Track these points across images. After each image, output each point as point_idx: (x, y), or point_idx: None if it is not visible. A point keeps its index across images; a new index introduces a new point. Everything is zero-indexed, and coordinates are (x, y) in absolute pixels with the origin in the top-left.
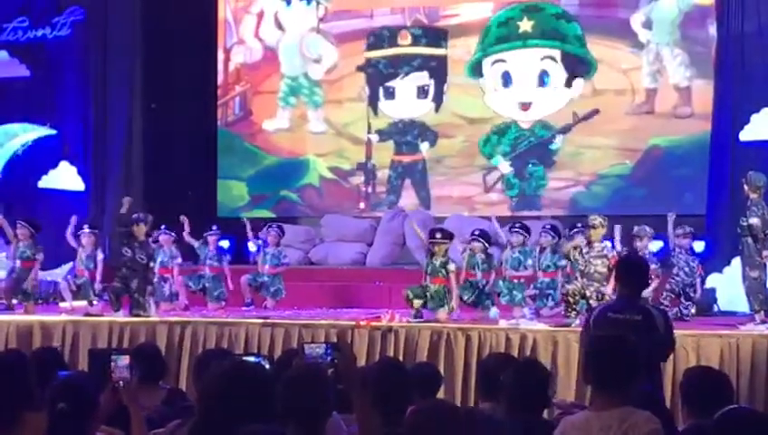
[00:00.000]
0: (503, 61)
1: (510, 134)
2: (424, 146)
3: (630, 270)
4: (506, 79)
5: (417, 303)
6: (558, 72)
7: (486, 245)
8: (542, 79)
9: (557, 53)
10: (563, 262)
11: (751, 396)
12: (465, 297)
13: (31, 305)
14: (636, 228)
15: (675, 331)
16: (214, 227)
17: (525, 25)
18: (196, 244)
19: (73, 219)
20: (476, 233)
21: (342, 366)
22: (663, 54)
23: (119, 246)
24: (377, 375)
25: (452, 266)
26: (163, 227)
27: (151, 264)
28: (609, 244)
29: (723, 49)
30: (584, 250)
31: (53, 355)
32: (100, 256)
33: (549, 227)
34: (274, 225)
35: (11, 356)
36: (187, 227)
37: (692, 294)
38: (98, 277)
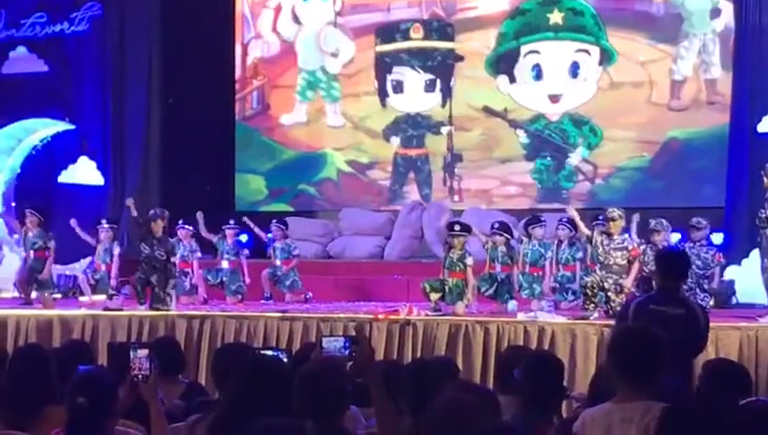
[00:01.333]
0: (536, 52)
1: (537, 126)
2: (439, 138)
3: (672, 262)
4: (537, 71)
5: (435, 296)
6: (590, 65)
7: (508, 237)
8: (574, 71)
9: (591, 47)
10: (580, 254)
11: None
12: (484, 289)
13: (48, 298)
14: (653, 222)
15: None
16: (231, 222)
17: (556, 17)
18: (214, 238)
19: (73, 222)
20: (497, 226)
21: (361, 359)
22: (681, 47)
23: (137, 242)
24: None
25: (469, 260)
26: (181, 221)
27: (172, 259)
28: (627, 236)
29: (741, 41)
30: (604, 242)
31: (83, 349)
32: (116, 250)
33: (566, 220)
34: (276, 220)
35: (31, 350)
36: (201, 223)
37: (706, 286)
38: (114, 272)
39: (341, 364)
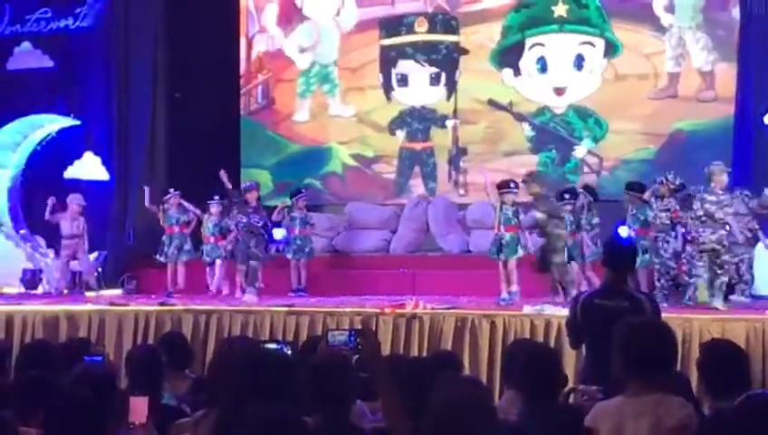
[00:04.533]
0: (541, 45)
1: (542, 118)
2: (444, 132)
3: (615, 255)
4: (542, 63)
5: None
6: (595, 57)
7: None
8: (579, 63)
9: (596, 39)
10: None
11: None
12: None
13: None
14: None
15: (700, 316)
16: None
17: (560, 10)
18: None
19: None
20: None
21: (367, 353)
22: (686, 38)
23: (234, 213)
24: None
25: (521, 215)
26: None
27: (267, 224)
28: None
29: (745, 32)
30: (654, 204)
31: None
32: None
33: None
34: (302, 190)
35: (38, 346)
36: (226, 180)
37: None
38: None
39: (347, 357)
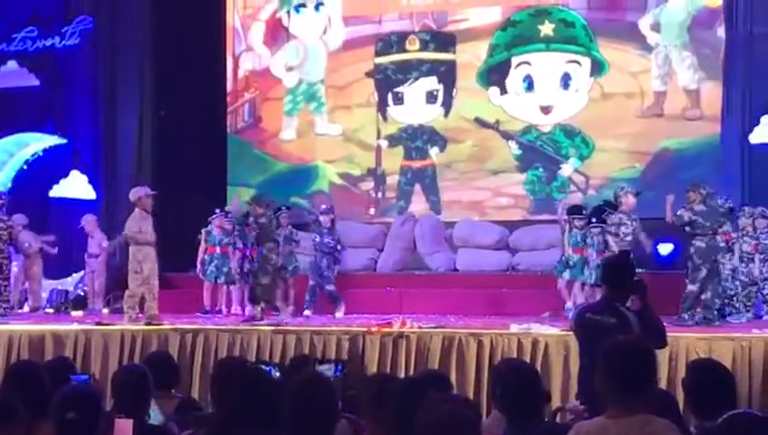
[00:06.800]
0: (527, 63)
1: (529, 137)
2: (434, 151)
3: (608, 272)
4: (528, 82)
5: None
6: (581, 76)
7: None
8: (565, 82)
9: (582, 58)
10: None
11: (763, 399)
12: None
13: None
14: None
15: (687, 334)
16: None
17: (546, 29)
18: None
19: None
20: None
21: (352, 376)
22: (672, 57)
23: (312, 234)
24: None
25: (588, 240)
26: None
27: (338, 246)
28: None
29: (732, 51)
30: None
31: (66, 365)
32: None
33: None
34: (284, 208)
35: (25, 367)
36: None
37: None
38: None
39: (329, 380)
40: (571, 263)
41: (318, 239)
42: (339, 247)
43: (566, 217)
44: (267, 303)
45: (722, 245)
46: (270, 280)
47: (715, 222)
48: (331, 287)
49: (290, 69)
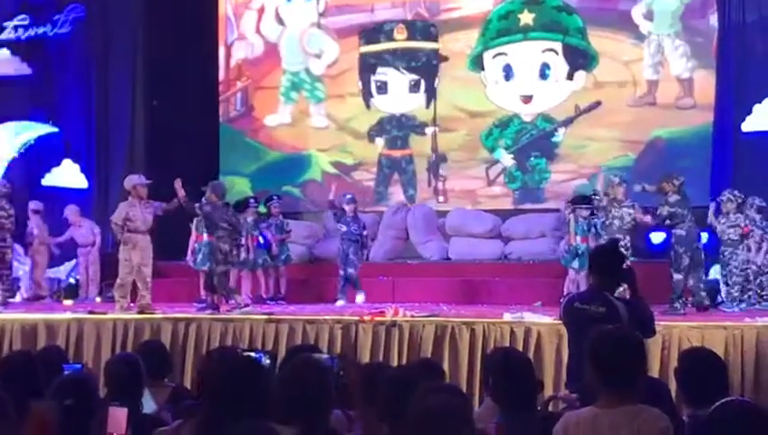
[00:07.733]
0: (504, 54)
1: (512, 127)
2: (423, 139)
3: (596, 260)
4: (507, 72)
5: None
6: (559, 65)
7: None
8: (543, 72)
9: (558, 46)
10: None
11: (756, 388)
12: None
13: None
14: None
15: (680, 323)
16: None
17: (526, 18)
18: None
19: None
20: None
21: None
22: (664, 46)
23: (334, 223)
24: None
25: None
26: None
27: (364, 232)
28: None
29: (724, 39)
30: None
31: (58, 354)
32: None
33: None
34: (275, 197)
35: (19, 357)
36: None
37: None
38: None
39: (325, 366)
40: (579, 252)
41: (345, 229)
42: (365, 233)
43: (570, 206)
44: (223, 291)
45: (735, 238)
46: (224, 269)
47: (691, 209)
48: (351, 271)
49: (283, 57)
